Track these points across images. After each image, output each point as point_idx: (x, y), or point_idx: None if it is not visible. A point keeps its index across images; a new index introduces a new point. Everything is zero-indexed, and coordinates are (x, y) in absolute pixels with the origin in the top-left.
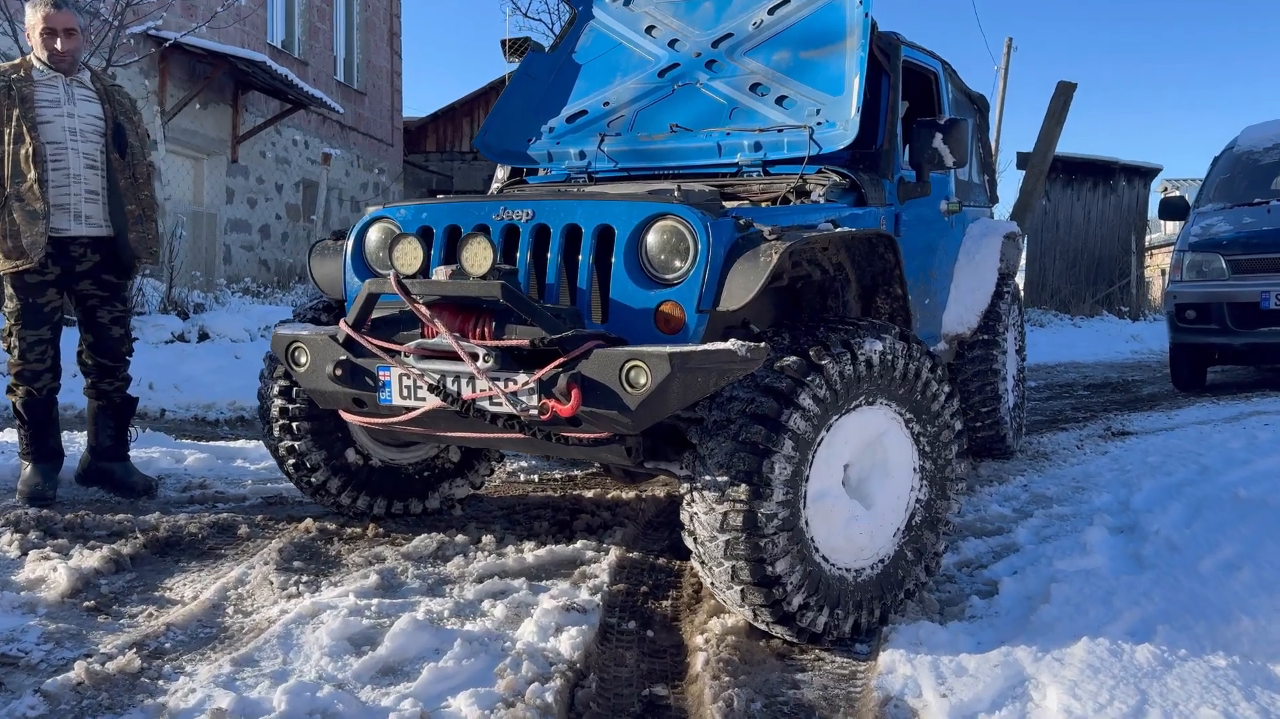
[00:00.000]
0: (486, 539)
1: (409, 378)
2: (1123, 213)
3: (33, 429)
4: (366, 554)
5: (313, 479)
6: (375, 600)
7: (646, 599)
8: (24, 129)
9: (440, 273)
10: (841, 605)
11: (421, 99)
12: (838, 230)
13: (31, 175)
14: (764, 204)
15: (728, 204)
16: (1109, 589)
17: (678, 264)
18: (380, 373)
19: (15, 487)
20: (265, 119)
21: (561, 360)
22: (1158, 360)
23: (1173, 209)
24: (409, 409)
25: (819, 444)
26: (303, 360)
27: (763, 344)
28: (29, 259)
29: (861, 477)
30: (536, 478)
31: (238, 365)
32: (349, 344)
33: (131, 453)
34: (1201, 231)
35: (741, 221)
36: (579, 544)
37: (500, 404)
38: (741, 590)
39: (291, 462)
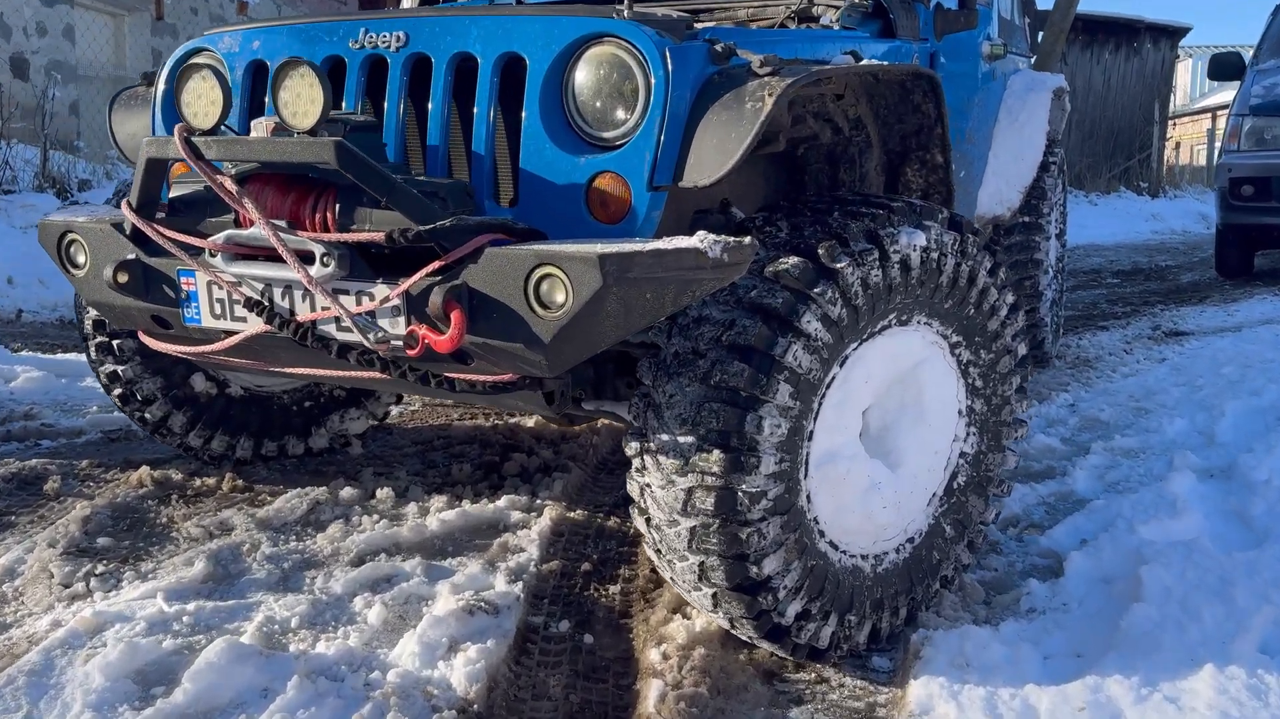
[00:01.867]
0: (383, 494)
1: (220, 288)
2: (1146, 78)
3: None
4: (209, 522)
5: (148, 414)
6: (193, 605)
7: (588, 583)
8: None
9: (258, 127)
10: (855, 608)
11: None
12: (862, 64)
13: None
14: (752, 27)
15: (699, 26)
16: (1222, 574)
17: (620, 114)
18: (182, 279)
19: None
20: None
21: (435, 266)
22: (1182, 242)
23: (1226, 68)
24: (226, 334)
25: (829, 386)
26: (81, 261)
27: (748, 239)
28: None
29: (885, 425)
30: None
31: None
32: (138, 237)
33: None
34: (1264, 92)
35: (718, 48)
36: (504, 501)
37: (349, 331)
38: (714, 595)
39: (118, 391)
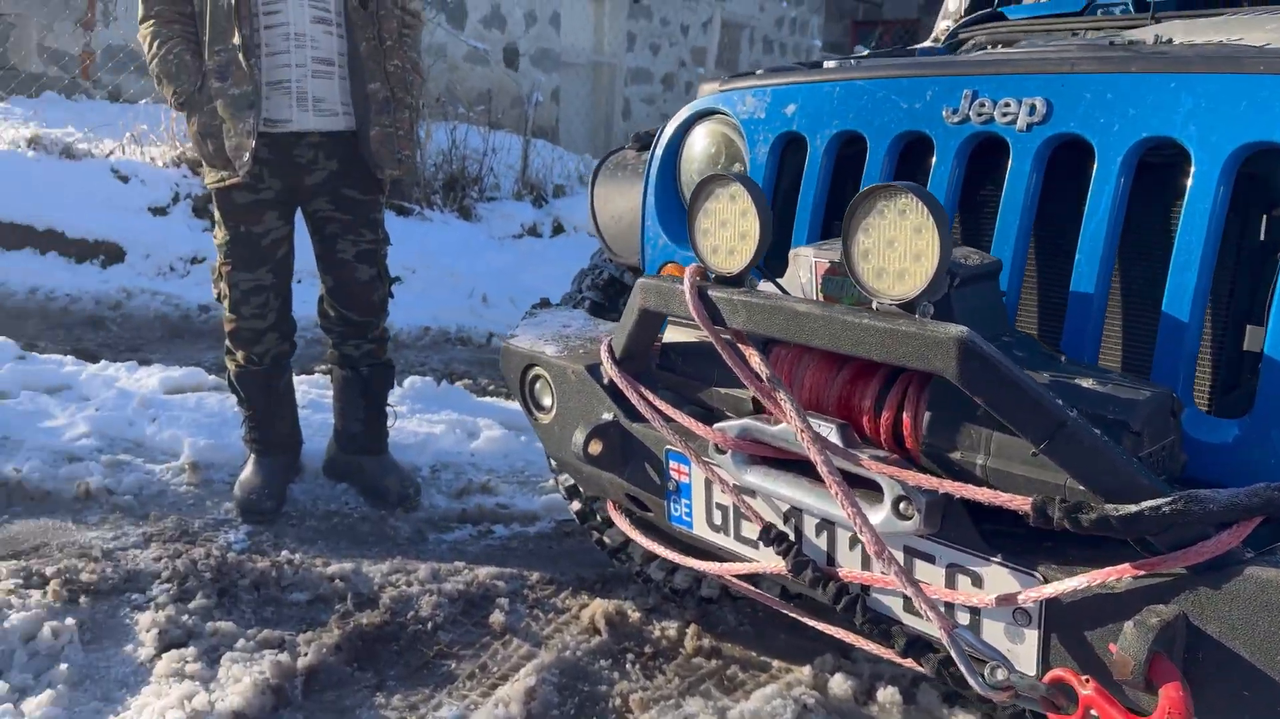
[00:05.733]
0: (884, 695)
1: (724, 493)
2: None
3: (254, 410)
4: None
5: (607, 538)
6: None
7: None
8: None
9: (803, 260)
10: None
11: None
12: None
13: (235, 38)
14: None
15: None
16: None
17: None
18: (672, 465)
19: (237, 481)
20: None
21: (1120, 572)
22: None
23: None
24: (720, 551)
25: None
26: (546, 404)
27: None
28: (234, 170)
29: None
30: None
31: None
32: (618, 393)
33: (410, 426)
34: None
35: None
36: None
37: (925, 622)
38: None
39: (577, 506)
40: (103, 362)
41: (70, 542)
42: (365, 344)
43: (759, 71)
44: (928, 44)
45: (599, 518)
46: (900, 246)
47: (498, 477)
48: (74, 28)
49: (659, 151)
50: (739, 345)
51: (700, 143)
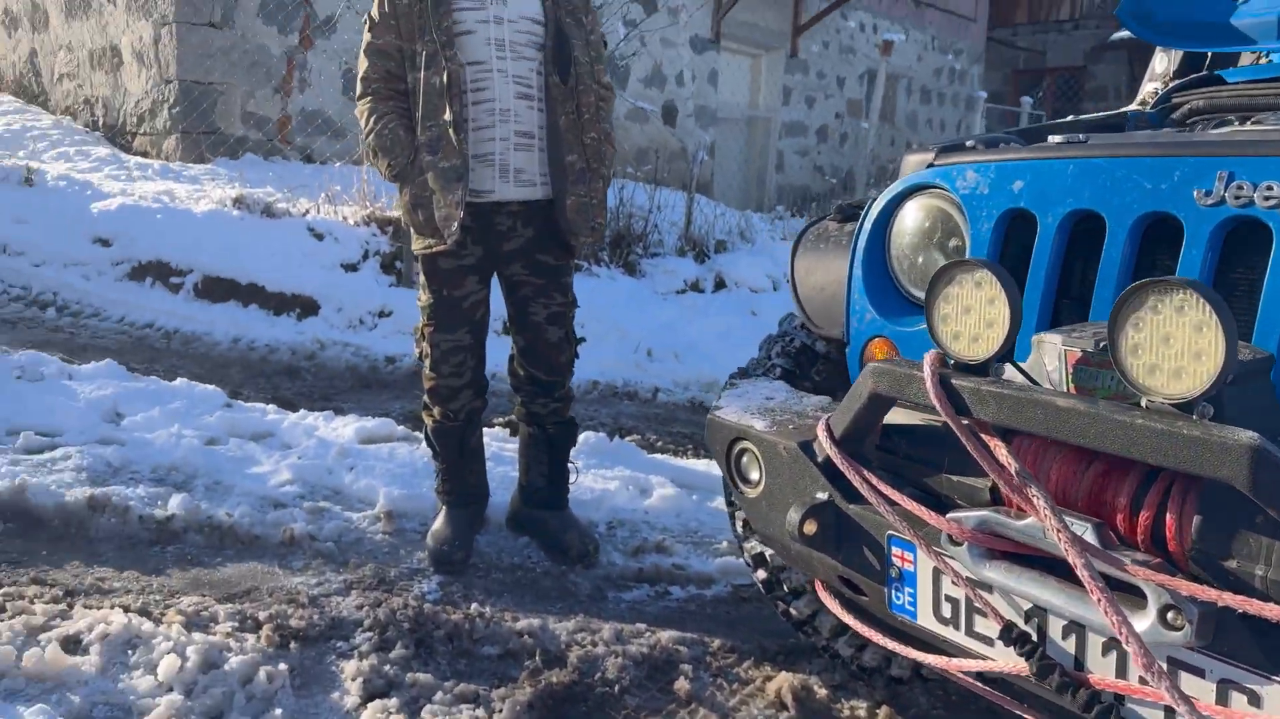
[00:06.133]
0: None
1: (957, 586)
2: None
3: (447, 463)
4: None
5: (794, 609)
6: None
7: None
8: (439, 46)
9: (1050, 347)
10: None
11: None
12: None
13: (446, 115)
14: None
15: None
16: None
17: None
18: (895, 551)
19: (429, 532)
20: (830, 3)
21: None
22: None
23: None
24: (947, 644)
25: None
26: (754, 478)
27: None
28: (443, 238)
29: None
30: None
31: (750, 326)
32: (834, 472)
33: (586, 481)
34: None
35: None
36: None
37: None
38: None
39: (762, 575)
40: (301, 410)
41: (279, 587)
42: (552, 403)
43: (970, 143)
44: (1135, 107)
45: (785, 588)
46: (1177, 344)
47: (672, 536)
48: (273, 94)
49: (867, 225)
50: (983, 436)
51: (913, 217)
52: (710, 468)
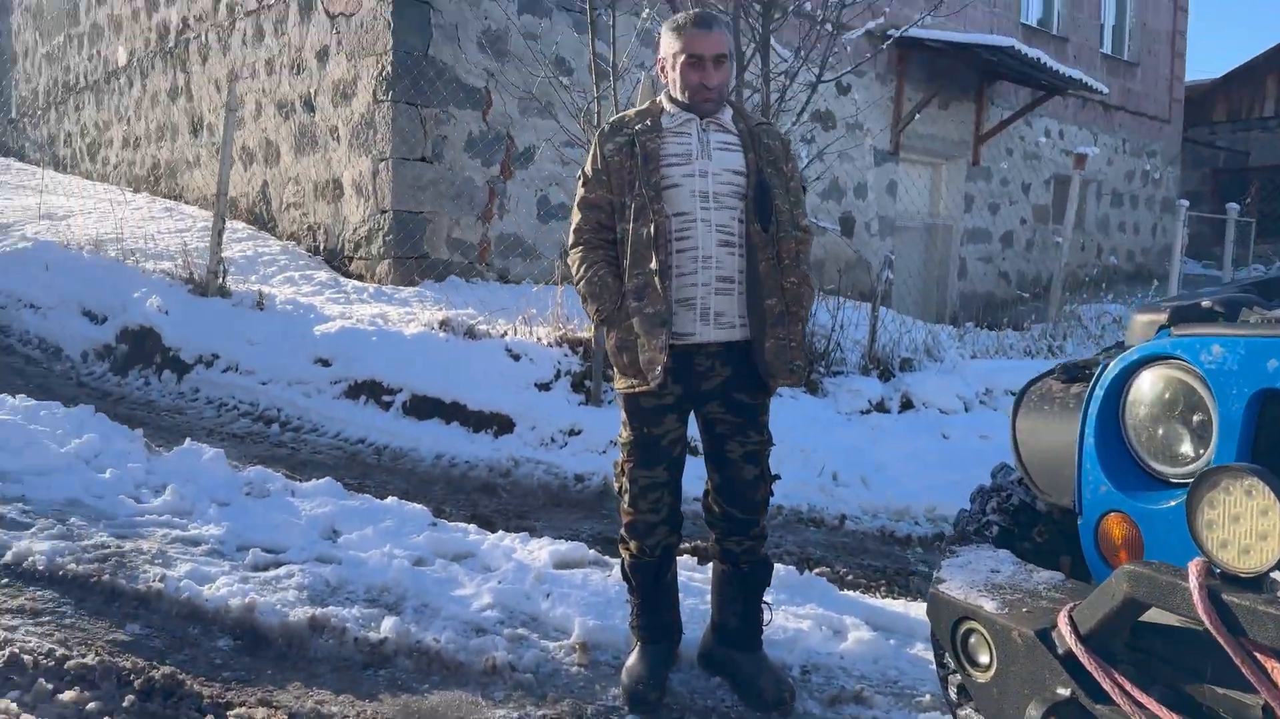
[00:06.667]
0: None
1: None
2: None
3: (643, 598)
4: None
5: None
6: None
7: None
8: (647, 200)
9: None
10: None
11: (1205, 59)
12: None
13: (653, 264)
14: None
15: None
16: None
17: None
18: None
19: (624, 667)
20: (1013, 112)
21: None
22: None
23: None
24: None
25: None
26: (983, 662)
27: None
28: (646, 380)
29: None
30: None
31: (942, 450)
32: (1075, 666)
33: (778, 619)
34: None
35: None
36: None
37: None
38: None
39: None
40: (500, 532)
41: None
42: (747, 540)
43: (1205, 303)
44: None
45: None
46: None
47: (870, 685)
48: (475, 221)
49: (1099, 392)
50: (1259, 657)
51: (1150, 388)
52: (907, 609)
